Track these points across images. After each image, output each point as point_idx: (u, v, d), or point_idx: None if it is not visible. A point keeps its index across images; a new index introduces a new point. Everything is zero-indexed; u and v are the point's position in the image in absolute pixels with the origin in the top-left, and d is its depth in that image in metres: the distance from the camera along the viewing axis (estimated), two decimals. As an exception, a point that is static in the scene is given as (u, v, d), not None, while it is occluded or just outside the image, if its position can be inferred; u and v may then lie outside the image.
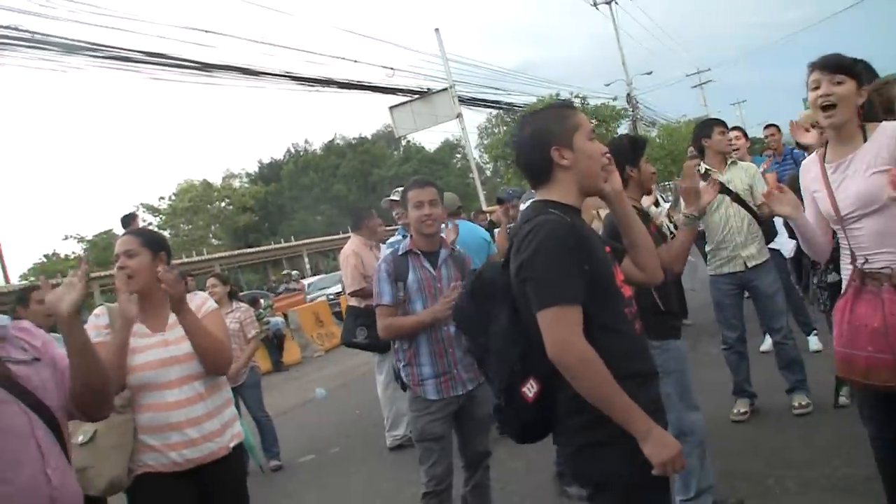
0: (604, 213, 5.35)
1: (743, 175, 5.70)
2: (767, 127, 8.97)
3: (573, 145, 2.51)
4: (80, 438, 3.24)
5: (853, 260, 3.14)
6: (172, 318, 3.39)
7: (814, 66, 3.18)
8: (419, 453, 4.18)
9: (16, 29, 12.38)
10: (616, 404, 2.26)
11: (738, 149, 5.86)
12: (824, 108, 3.10)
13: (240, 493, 3.62)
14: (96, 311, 3.48)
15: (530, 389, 2.40)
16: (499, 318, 2.50)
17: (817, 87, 3.13)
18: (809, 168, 3.37)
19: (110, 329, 3.30)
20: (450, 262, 4.25)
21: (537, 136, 2.55)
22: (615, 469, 2.38)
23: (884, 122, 3.12)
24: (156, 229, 51.90)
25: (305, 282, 32.37)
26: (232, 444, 3.48)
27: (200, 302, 3.56)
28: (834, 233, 3.30)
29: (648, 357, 2.59)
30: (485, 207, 19.22)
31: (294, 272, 26.97)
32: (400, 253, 4.21)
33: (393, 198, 6.64)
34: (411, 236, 4.30)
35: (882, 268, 3.03)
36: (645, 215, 4.13)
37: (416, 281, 4.13)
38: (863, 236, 3.10)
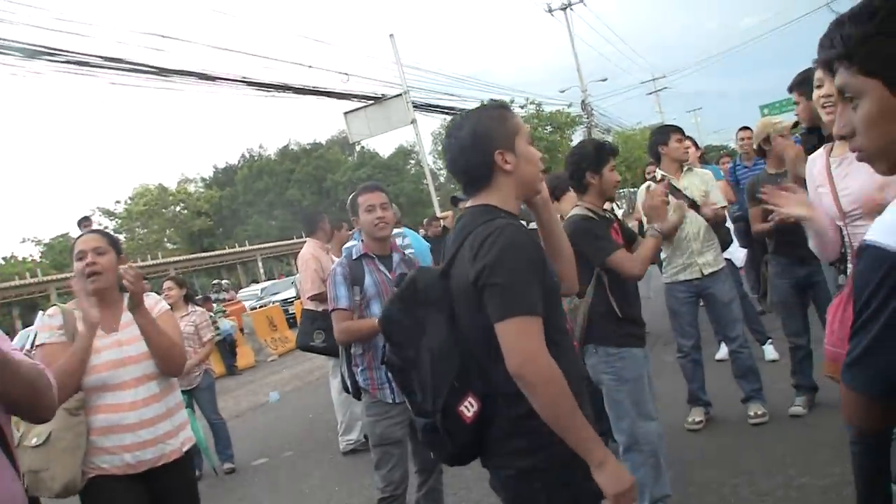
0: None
1: (698, 182, 5.69)
2: (741, 130, 8.97)
3: (515, 149, 2.40)
4: (35, 441, 3.22)
5: (854, 259, 3.12)
6: (126, 318, 3.41)
7: (818, 64, 3.22)
8: (376, 458, 4.16)
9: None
10: (574, 426, 2.14)
11: (687, 153, 5.87)
12: (824, 106, 3.16)
13: (191, 496, 3.62)
14: (49, 311, 3.47)
15: (469, 408, 2.24)
16: (435, 330, 2.32)
17: (821, 86, 3.18)
18: (815, 161, 3.26)
19: (63, 330, 3.29)
20: (403, 265, 4.25)
21: (479, 139, 2.38)
22: (558, 496, 2.27)
23: None
24: (111, 233, 51.37)
25: (257, 287, 32.02)
26: (185, 448, 3.49)
27: (153, 303, 3.56)
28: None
29: (583, 374, 2.50)
30: (438, 213, 19.31)
31: (225, 281, 26.13)
32: (354, 257, 4.21)
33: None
34: (362, 241, 4.31)
35: None
36: (608, 220, 4.20)
37: (373, 284, 4.13)
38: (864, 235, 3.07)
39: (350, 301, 4.11)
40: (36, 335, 4.97)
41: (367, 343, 4.14)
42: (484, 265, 2.20)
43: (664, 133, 5.89)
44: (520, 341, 2.14)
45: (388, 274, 4.18)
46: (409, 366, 2.36)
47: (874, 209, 2.68)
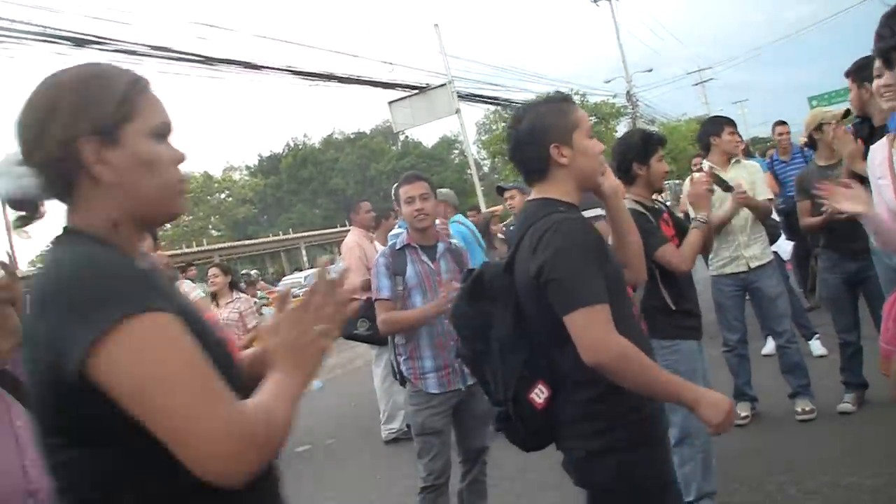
0: None
1: (745, 174, 5.54)
2: (778, 124, 8.76)
3: (572, 143, 2.44)
4: None
5: None
6: None
7: (876, 54, 3.01)
8: (418, 447, 4.17)
9: (27, 23, 12.48)
10: (662, 387, 2.25)
11: (738, 144, 5.76)
12: (883, 95, 3.02)
13: None
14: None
15: (540, 395, 2.36)
16: (502, 322, 2.42)
17: (880, 76, 3.03)
18: (876, 152, 3.15)
19: None
20: (448, 255, 4.24)
21: (536, 133, 2.46)
22: (625, 475, 2.35)
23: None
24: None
25: (300, 274, 32.06)
26: None
27: (188, 290, 3.51)
28: None
29: (653, 357, 2.57)
30: (482, 203, 19.25)
31: (254, 272, 25.84)
32: (398, 247, 4.21)
33: None
34: (408, 230, 4.29)
35: None
36: (657, 210, 4.13)
37: (415, 275, 4.12)
38: None
39: (392, 291, 4.11)
40: None
41: (410, 333, 4.14)
42: (543, 261, 2.29)
43: (718, 124, 5.78)
44: (588, 332, 2.21)
45: (430, 264, 4.16)
46: (480, 358, 2.49)
47: None
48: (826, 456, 4.65)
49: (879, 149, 3.13)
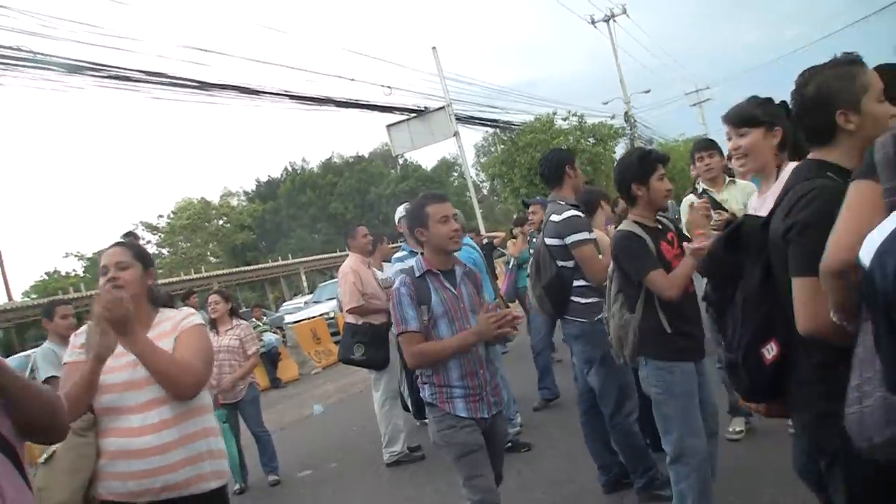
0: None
1: (739, 194, 5.52)
2: None
3: (860, 108, 2.34)
4: (42, 458, 3.11)
5: None
6: (152, 335, 3.17)
7: (724, 120, 3.39)
8: (464, 470, 3.77)
9: (19, 49, 12.50)
10: None
11: (711, 168, 5.75)
12: (737, 158, 3.34)
13: None
14: (80, 329, 3.29)
15: (769, 352, 2.41)
16: (752, 274, 2.47)
17: (730, 139, 3.35)
18: (752, 203, 3.54)
19: (84, 349, 3.04)
20: (466, 279, 3.98)
21: (822, 97, 2.37)
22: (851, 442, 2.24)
23: (788, 166, 3.22)
24: (154, 247, 52.19)
25: (300, 299, 31.85)
26: (212, 483, 3.17)
27: (181, 317, 3.28)
28: None
29: None
30: (481, 225, 19.28)
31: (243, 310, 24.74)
32: (418, 275, 3.88)
33: (404, 212, 6.70)
34: (423, 255, 3.99)
35: None
36: (660, 230, 4.10)
37: (440, 303, 3.81)
38: None
39: (420, 322, 3.77)
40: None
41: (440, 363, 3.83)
42: (794, 222, 2.27)
43: (692, 151, 5.93)
44: (809, 302, 2.20)
45: (453, 290, 3.88)
46: (725, 303, 2.57)
47: None
48: (767, 473, 4.68)
49: (755, 194, 3.52)
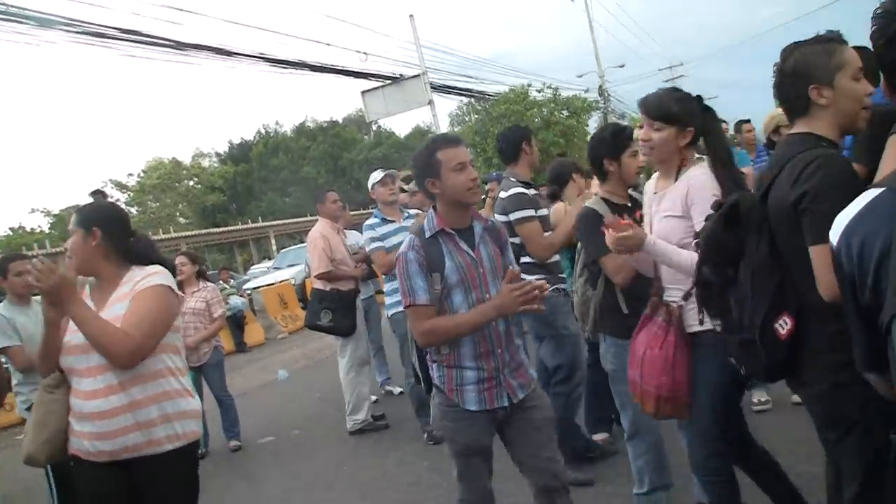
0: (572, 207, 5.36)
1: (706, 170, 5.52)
2: (743, 122, 8.88)
3: (834, 84, 2.43)
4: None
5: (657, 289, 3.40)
6: (112, 297, 3.16)
7: (640, 106, 3.37)
8: (458, 468, 3.38)
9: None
10: None
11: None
12: (644, 148, 3.37)
13: (178, 496, 3.30)
14: None
15: (783, 326, 2.40)
16: (756, 249, 2.46)
17: (642, 126, 3.36)
18: (648, 189, 3.55)
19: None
20: (486, 237, 3.38)
21: (797, 71, 2.47)
22: (872, 406, 2.26)
23: (690, 169, 3.28)
24: (123, 206, 51.62)
25: (254, 269, 31.29)
26: (167, 445, 3.15)
27: (140, 277, 3.19)
28: None
29: None
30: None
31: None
32: (428, 235, 3.30)
33: (378, 179, 6.69)
34: (435, 209, 3.37)
35: (672, 301, 3.30)
36: (628, 209, 4.00)
37: (454, 270, 3.24)
38: (663, 267, 3.36)
39: (430, 294, 3.22)
40: None
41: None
42: (805, 190, 2.30)
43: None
44: (829, 270, 2.11)
45: (471, 253, 3.30)
46: (727, 284, 2.54)
47: None
48: (780, 446, 4.63)
49: (650, 185, 3.51)
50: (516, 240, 4.89)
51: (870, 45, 2.40)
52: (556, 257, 5.16)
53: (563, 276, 5.23)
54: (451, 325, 3.22)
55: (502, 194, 5.10)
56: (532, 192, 5.08)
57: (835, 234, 1.60)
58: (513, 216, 4.93)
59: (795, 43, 2.54)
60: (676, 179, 3.28)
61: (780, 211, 2.41)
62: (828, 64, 2.44)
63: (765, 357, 2.45)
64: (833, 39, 2.51)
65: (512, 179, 5.15)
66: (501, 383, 3.28)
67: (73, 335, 3.09)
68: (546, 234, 5.01)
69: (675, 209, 3.25)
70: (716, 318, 2.71)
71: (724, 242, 2.54)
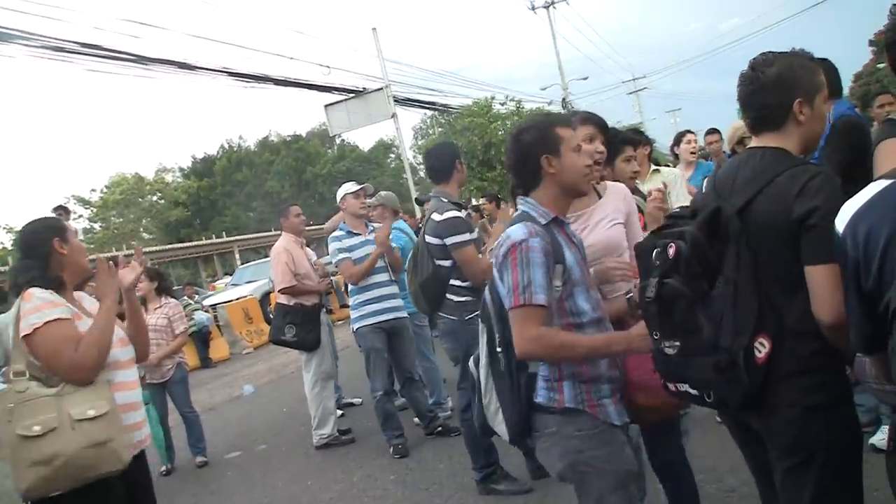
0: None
1: (660, 183, 5.57)
2: (709, 133, 8.94)
3: (814, 103, 2.38)
4: (92, 412, 3.00)
5: None
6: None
7: (592, 122, 3.42)
8: (616, 499, 2.76)
9: (-60, 15, 12.08)
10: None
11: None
12: (598, 162, 3.26)
13: (150, 491, 3.54)
14: (38, 292, 3.12)
15: (761, 348, 2.22)
16: (738, 263, 2.24)
17: (593, 140, 3.35)
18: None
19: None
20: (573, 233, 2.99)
21: (786, 80, 2.36)
22: (844, 430, 2.29)
23: (611, 183, 3.46)
24: (86, 222, 51.02)
25: (218, 283, 31.01)
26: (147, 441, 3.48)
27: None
28: None
29: None
30: (417, 208, 19.25)
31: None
32: (544, 222, 2.76)
33: (351, 190, 6.67)
34: (527, 202, 2.86)
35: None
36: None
37: (575, 264, 2.76)
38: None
39: (549, 292, 2.65)
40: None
41: None
42: (817, 206, 2.16)
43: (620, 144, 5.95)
44: (837, 290, 2.07)
45: (582, 248, 2.93)
46: (699, 299, 2.28)
47: None
48: (741, 456, 4.75)
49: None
50: (447, 262, 4.90)
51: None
52: None
53: None
54: (572, 344, 2.69)
55: (436, 216, 4.92)
56: (464, 213, 5.06)
57: (841, 222, 1.60)
58: (448, 241, 4.84)
59: (776, 52, 2.45)
60: (599, 196, 3.38)
61: (775, 225, 2.26)
62: (814, 80, 2.40)
63: (747, 381, 2.21)
64: (814, 59, 2.47)
65: (444, 200, 5.01)
66: (620, 394, 2.85)
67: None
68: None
69: (619, 216, 3.32)
70: (672, 339, 2.37)
71: (705, 250, 2.27)
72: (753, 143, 2.50)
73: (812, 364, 2.23)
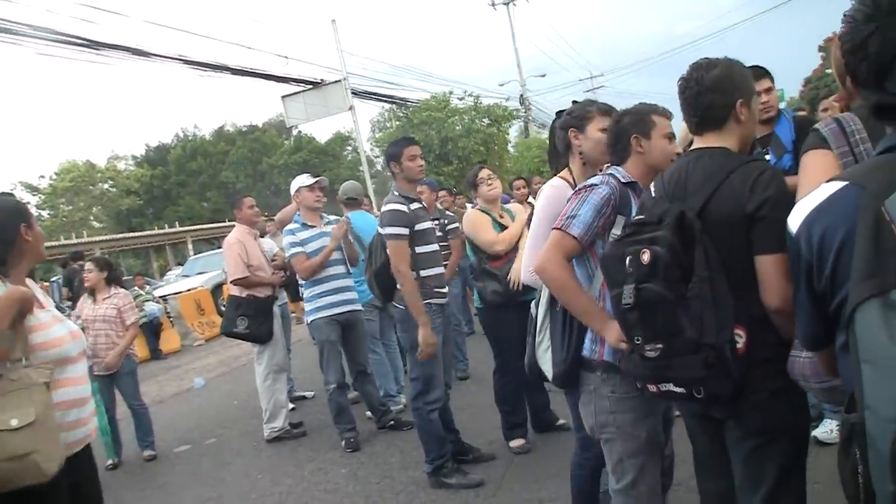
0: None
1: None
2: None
3: (751, 105, 2.57)
4: (15, 422, 2.79)
5: None
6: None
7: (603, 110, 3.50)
8: (636, 474, 2.93)
9: None
10: None
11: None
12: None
13: (97, 485, 3.46)
14: None
15: (738, 339, 2.37)
16: (706, 261, 2.35)
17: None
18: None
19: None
20: None
21: (727, 82, 2.53)
22: (800, 414, 2.51)
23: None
24: (34, 209, 49.95)
25: (169, 274, 30.61)
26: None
27: None
28: None
29: None
30: (373, 200, 19.22)
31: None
32: (625, 181, 2.97)
33: (306, 183, 6.64)
34: (611, 169, 3.07)
35: None
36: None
37: None
38: None
39: (589, 232, 2.83)
40: None
41: None
42: (767, 197, 2.33)
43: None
44: (782, 277, 2.23)
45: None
46: (678, 300, 2.34)
47: None
48: (689, 451, 4.78)
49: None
50: None
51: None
52: (438, 269, 5.21)
53: (444, 290, 5.27)
54: (576, 295, 2.84)
55: (383, 207, 5.16)
56: (414, 206, 5.10)
57: (795, 222, 1.64)
58: (383, 231, 5.04)
59: (714, 58, 2.60)
60: None
61: (731, 221, 2.40)
62: (750, 84, 2.59)
63: (735, 371, 2.35)
64: (745, 66, 2.64)
65: (395, 193, 5.15)
66: None
67: (59, 325, 3.17)
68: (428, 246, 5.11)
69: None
70: (654, 342, 2.41)
71: (681, 254, 2.35)
72: (697, 143, 2.63)
73: (777, 351, 2.33)
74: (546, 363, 3.14)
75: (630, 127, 3.05)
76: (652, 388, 2.53)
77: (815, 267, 1.58)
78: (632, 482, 2.95)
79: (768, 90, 4.41)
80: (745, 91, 2.55)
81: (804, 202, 1.64)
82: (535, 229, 3.50)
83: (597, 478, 3.66)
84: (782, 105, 4.79)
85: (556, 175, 3.67)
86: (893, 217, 1.33)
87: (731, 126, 2.55)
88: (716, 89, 2.52)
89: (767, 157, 4.30)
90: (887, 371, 1.26)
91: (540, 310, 3.20)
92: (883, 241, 1.35)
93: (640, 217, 2.58)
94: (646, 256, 2.37)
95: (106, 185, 56.55)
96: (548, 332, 3.14)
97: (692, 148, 2.68)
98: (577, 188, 3.03)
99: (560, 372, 3.05)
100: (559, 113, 3.72)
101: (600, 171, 3.31)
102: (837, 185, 1.56)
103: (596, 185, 2.90)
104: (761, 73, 4.32)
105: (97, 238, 39.64)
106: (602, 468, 3.35)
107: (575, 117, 3.49)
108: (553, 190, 3.53)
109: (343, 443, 6.38)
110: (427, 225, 5.14)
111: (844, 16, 1.56)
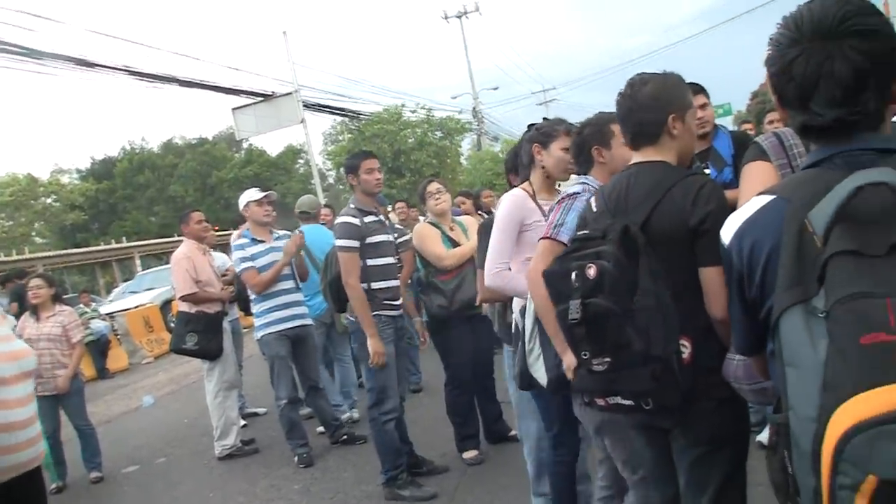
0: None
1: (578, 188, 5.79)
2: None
3: (685, 119, 2.59)
4: None
5: None
6: None
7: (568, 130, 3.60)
8: (636, 479, 2.85)
9: None
10: None
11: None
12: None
13: None
14: None
15: (684, 350, 2.41)
16: (651, 274, 2.35)
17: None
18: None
19: None
20: None
21: (659, 98, 2.57)
22: (744, 422, 2.62)
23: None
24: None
25: (116, 291, 30.20)
26: (41, 458, 3.28)
27: None
28: None
29: None
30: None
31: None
32: (597, 187, 3.07)
33: (255, 198, 6.55)
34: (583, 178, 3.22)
35: None
36: None
37: None
38: None
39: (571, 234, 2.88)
40: None
41: None
42: (710, 211, 2.38)
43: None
44: (724, 288, 2.17)
45: None
46: (625, 314, 2.34)
47: None
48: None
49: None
50: None
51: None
52: (391, 282, 5.20)
53: (396, 302, 5.26)
54: (545, 308, 2.81)
55: (337, 219, 5.27)
56: (368, 219, 5.13)
57: (727, 234, 1.68)
58: (336, 242, 5.15)
59: (648, 73, 2.66)
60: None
61: (674, 234, 2.44)
62: (685, 99, 2.62)
63: (677, 388, 2.35)
64: (683, 80, 2.69)
65: (351, 206, 5.20)
66: None
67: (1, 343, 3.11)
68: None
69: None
70: (601, 356, 2.41)
71: (627, 269, 2.35)
72: (635, 158, 2.67)
73: (721, 359, 2.36)
74: (538, 370, 3.16)
75: (590, 138, 3.20)
76: (600, 401, 2.52)
77: (746, 277, 1.64)
78: (636, 482, 2.94)
79: (703, 106, 4.46)
80: (678, 106, 2.59)
81: (735, 215, 1.70)
82: (498, 234, 3.62)
83: (573, 474, 3.73)
84: (728, 119, 4.91)
85: (516, 186, 3.85)
86: (816, 228, 1.38)
87: (665, 140, 2.59)
88: (647, 106, 2.57)
89: (707, 171, 4.37)
90: (808, 373, 1.31)
91: (527, 319, 3.21)
92: (805, 252, 1.40)
93: (584, 232, 2.59)
94: (591, 271, 2.38)
95: (49, 200, 55.38)
96: (538, 339, 3.16)
97: (631, 162, 2.70)
98: (559, 198, 3.12)
99: (555, 376, 3.05)
100: (530, 126, 3.85)
101: (558, 186, 3.53)
102: (766, 198, 1.61)
103: (579, 193, 3.03)
104: (696, 89, 4.38)
105: (40, 254, 38.71)
106: (576, 462, 3.65)
107: (541, 133, 3.65)
108: (514, 198, 3.67)
109: (296, 458, 6.31)
110: (381, 238, 5.15)
111: (770, 39, 1.61)
